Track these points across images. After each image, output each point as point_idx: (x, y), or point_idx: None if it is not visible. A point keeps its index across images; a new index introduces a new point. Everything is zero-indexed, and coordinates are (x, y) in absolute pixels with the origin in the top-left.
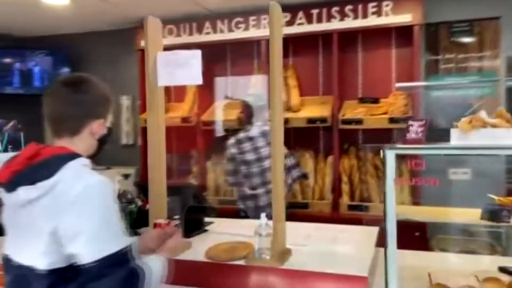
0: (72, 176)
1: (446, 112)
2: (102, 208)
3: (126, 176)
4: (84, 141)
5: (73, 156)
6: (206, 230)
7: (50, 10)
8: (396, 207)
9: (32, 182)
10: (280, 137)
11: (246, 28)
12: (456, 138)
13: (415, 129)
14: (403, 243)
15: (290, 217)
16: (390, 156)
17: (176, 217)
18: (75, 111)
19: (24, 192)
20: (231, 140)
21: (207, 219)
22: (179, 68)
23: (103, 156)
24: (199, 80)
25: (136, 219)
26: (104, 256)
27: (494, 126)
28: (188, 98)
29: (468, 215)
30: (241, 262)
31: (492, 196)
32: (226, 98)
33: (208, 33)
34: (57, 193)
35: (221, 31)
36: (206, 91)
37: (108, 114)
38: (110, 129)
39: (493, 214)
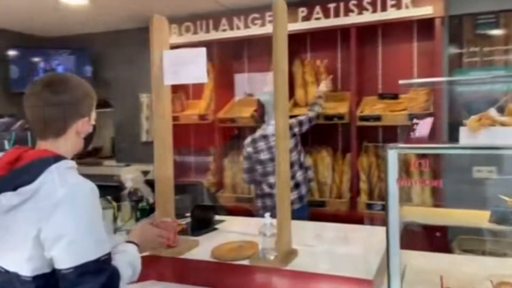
0: (55, 180)
1: (470, 108)
2: (84, 212)
3: (145, 173)
4: (69, 141)
5: (56, 158)
6: (215, 229)
7: (70, 10)
8: (401, 208)
9: (14, 188)
10: (285, 135)
11: (263, 24)
12: (465, 136)
13: (420, 128)
14: (422, 244)
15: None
16: (392, 155)
17: (188, 214)
18: (58, 113)
19: (6, 199)
20: (248, 139)
21: (218, 217)
22: (185, 67)
23: (123, 153)
24: (204, 79)
25: (148, 216)
26: (81, 263)
27: (503, 124)
28: (205, 96)
29: (478, 217)
30: (245, 262)
31: (504, 197)
32: (245, 94)
33: (224, 30)
34: (40, 197)
35: (238, 28)
36: (223, 88)
37: (92, 111)
38: (94, 126)
39: (501, 216)
